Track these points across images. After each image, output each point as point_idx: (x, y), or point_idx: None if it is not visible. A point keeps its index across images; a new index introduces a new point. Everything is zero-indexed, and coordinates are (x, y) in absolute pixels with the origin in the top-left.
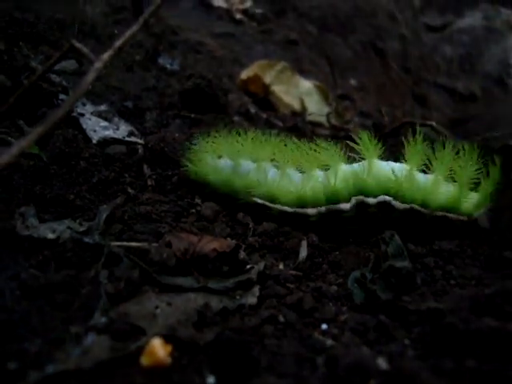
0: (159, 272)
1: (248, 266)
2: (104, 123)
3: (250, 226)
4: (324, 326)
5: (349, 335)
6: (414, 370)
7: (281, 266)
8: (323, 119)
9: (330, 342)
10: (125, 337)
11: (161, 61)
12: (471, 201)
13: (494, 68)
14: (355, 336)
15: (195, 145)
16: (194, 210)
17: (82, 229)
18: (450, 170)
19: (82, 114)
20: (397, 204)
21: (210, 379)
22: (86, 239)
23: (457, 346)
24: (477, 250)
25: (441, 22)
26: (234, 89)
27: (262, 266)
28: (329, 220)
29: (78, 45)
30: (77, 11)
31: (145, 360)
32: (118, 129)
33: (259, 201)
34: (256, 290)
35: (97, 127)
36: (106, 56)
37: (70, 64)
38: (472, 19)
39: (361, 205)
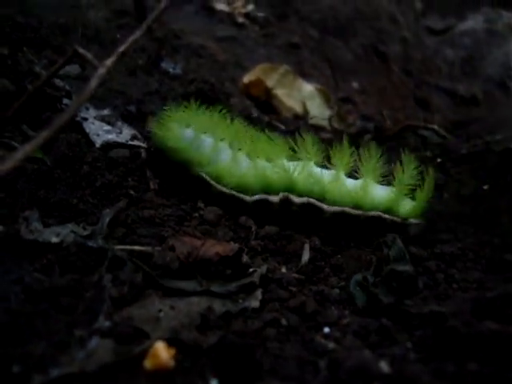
0: (162, 276)
1: (251, 270)
2: (107, 127)
3: (253, 229)
4: (326, 330)
5: (351, 338)
6: (416, 373)
7: (283, 270)
8: (325, 122)
9: (332, 345)
10: (128, 340)
11: (163, 65)
12: (406, 206)
13: (496, 71)
14: (357, 339)
15: (166, 113)
16: (196, 214)
17: (85, 233)
18: (386, 176)
19: (86, 119)
20: (324, 206)
21: (213, 382)
22: (90, 243)
23: (459, 349)
24: (478, 253)
25: (442, 25)
26: (236, 92)
27: (264, 269)
28: (261, 208)
29: (81, 51)
30: (80, 16)
31: (148, 363)
32: (121, 133)
33: (204, 176)
34: (259, 293)
35: (100, 131)
36: (109, 62)
37: (73, 69)
38: (474, 22)
39: (285, 201)
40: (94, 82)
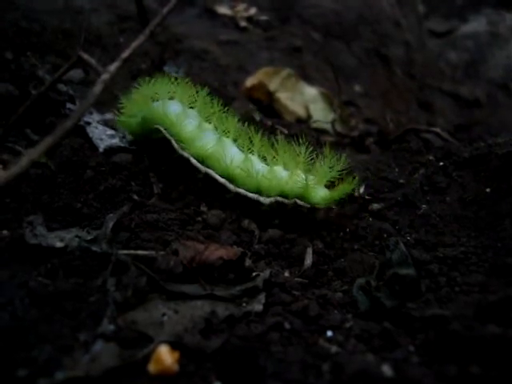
0: (166, 280)
1: (254, 274)
2: (110, 131)
3: (256, 233)
4: (329, 333)
5: (354, 342)
6: (419, 376)
7: (286, 274)
8: (328, 126)
9: (335, 348)
10: (132, 344)
11: (166, 69)
12: (320, 194)
13: (499, 74)
14: (360, 343)
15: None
16: (200, 218)
17: (89, 237)
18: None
19: (89, 123)
20: (260, 199)
21: None
22: (94, 247)
23: (461, 352)
24: (481, 257)
25: (445, 28)
26: (238, 96)
27: (267, 273)
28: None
29: (85, 56)
30: (83, 21)
31: (152, 367)
32: (124, 137)
33: (166, 134)
34: (262, 297)
35: (103, 136)
36: (112, 67)
37: (76, 73)
38: (476, 24)
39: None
40: (97, 88)
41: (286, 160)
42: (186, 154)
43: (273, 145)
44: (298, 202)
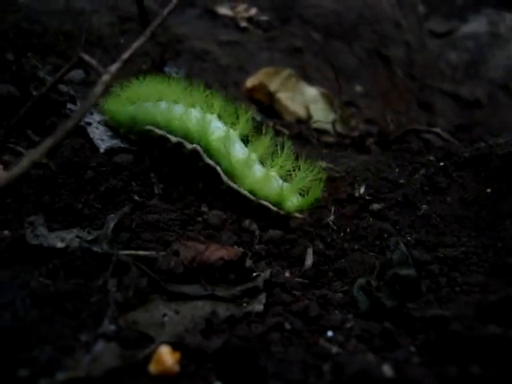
0: (167, 280)
1: (254, 274)
2: (111, 132)
3: (256, 233)
4: (330, 333)
5: (354, 342)
6: (419, 376)
7: (287, 274)
8: (329, 126)
9: (335, 349)
10: (133, 344)
11: (167, 69)
12: (294, 201)
13: (499, 74)
14: (361, 343)
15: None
16: (200, 219)
17: (90, 237)
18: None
19: (90, 123)
20: (224, 178)
21: None
22: (95, 248)
23: (462, 352)
24: (481, 257)
25: (445, 28)
26: (239, 96)
27: (268, 273)
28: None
29: (86, 57)
30: (84, 22)
31: (153, 368)
32: (125, 137)
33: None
34: (262, 297)
35: (104, 136)
36: (113, 68)
37: (77, 74)
38: (476, 25)
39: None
40: (98, 89)
41: (264, 156)
42: (174, 138)
43: (259, 131)
44: (264, 202)
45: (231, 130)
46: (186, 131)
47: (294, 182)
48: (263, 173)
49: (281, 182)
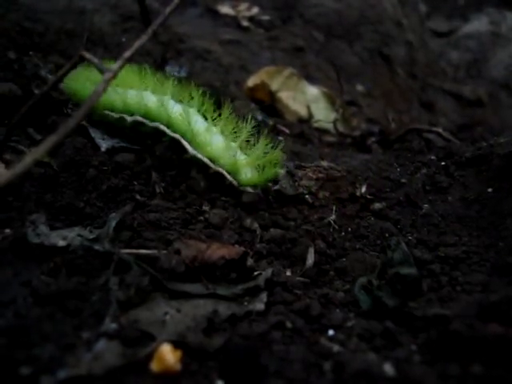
0: (168, 279)
1: (256, 273)
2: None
3: (258, 232)
4: (331, 332)
5: (356, 341)
6: (421, 375)
7: (288, 273)
8: (330, 126)
9: (336, 347)
10: (135, 343)
11: (168, 68)
12: (249, 175)
13: (501, 73)
14: (362, 342)
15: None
16: (202, 218)
17: (92, 236)
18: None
19: (91, 123)
20: (189, 148)
21: None
22: (96, 246)
23: (463, 351)
24: (483, 256)
25: (447, 28)
26: (240, 96)
27: (269, 272)
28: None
29: (88, 55)
30: (85, 21)
31: (155, 366)
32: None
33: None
34: (264, 296)
35: (105, 135)
36: (115, 67)
37: None
38: (478, 24)
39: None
40: (100, 87)
41: (226, 129)
42: (130, 118)
43: (219, 108)
44: (221, 170)
45: (188, 107)
46: (145, 112)
47: (251, 156)
48: (222, 142)
49: (240, 154)
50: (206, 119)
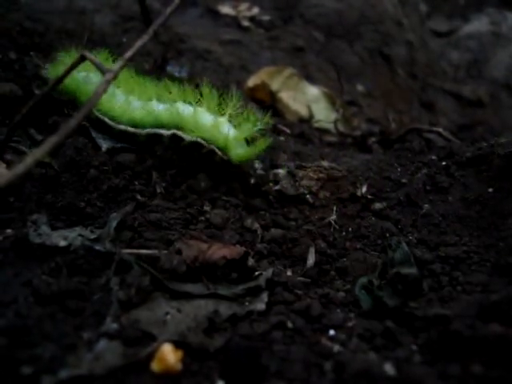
0: (169, 279)
1: (257, 273)
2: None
3: (259, 232)
4: (332, 332)
5: (356, 341)
6: (421, 375)
7: (289, 273)
8: (330, 126)
9: (337, 347)
10: (136, 343)
11: (169, 69)
12: (239, 150)
13: (501, 73)
14: (362, 342)
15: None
16: (203, 218)
17: (93, 236)
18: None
19: (91, 122)
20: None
21: None
22: (97, 247)
23: (463, 351)
24: (483, 256)
25: (447, 28)
26: (241, 95)
27: (270, 272)
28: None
29: (89, 56)
30: (86, 21)
31: (156, 366)
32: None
33: (99, 115)
34: (264, 296)
35: (106, 135)
36: (116, 67)
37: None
38: (478, 24)
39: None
40: (101, 88)
41: (211, 106)
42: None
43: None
44: (211, 146)
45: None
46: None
47: (240, 130)
48: (212, 119)
49: (230, 129)
50: (190, 104)
